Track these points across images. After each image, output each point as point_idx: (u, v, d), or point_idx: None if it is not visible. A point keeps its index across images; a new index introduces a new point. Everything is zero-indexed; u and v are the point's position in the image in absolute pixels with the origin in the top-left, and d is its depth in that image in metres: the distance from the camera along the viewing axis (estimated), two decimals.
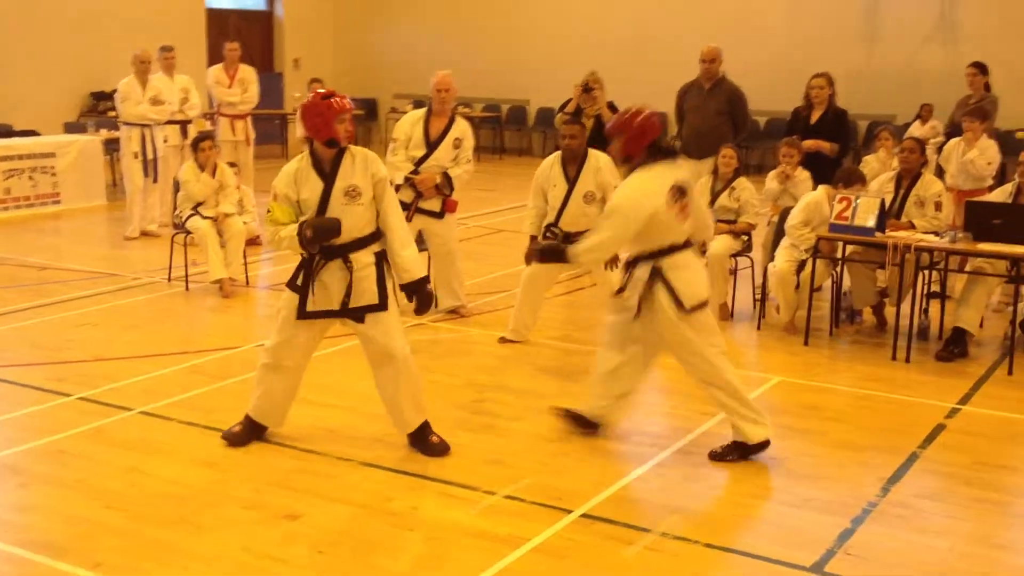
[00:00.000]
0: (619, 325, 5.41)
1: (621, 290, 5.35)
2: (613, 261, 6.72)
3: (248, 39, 18.66)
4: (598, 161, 7.20)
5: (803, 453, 5.48)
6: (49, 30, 15.30)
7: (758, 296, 7.98)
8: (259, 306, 8.61)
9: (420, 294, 5.29)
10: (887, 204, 7.32)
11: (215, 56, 15.04)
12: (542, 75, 18.19)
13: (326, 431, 5.61)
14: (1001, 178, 10.34)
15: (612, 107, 8.75)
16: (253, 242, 9.42)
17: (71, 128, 14.44)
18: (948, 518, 4.74)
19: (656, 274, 5.17)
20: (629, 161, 5.24)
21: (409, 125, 7.81)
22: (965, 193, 8.58)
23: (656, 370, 7.05)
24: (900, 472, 5.20)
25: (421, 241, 7.92)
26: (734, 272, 8.08)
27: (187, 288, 8.78)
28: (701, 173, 8.17)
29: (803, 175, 8.29)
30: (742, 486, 5.05)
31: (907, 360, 7.02)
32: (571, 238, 6.56)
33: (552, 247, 5.91)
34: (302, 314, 5.22)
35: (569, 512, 4.67)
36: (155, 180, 11.30)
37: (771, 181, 8.41)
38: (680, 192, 5.15)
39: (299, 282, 5.23)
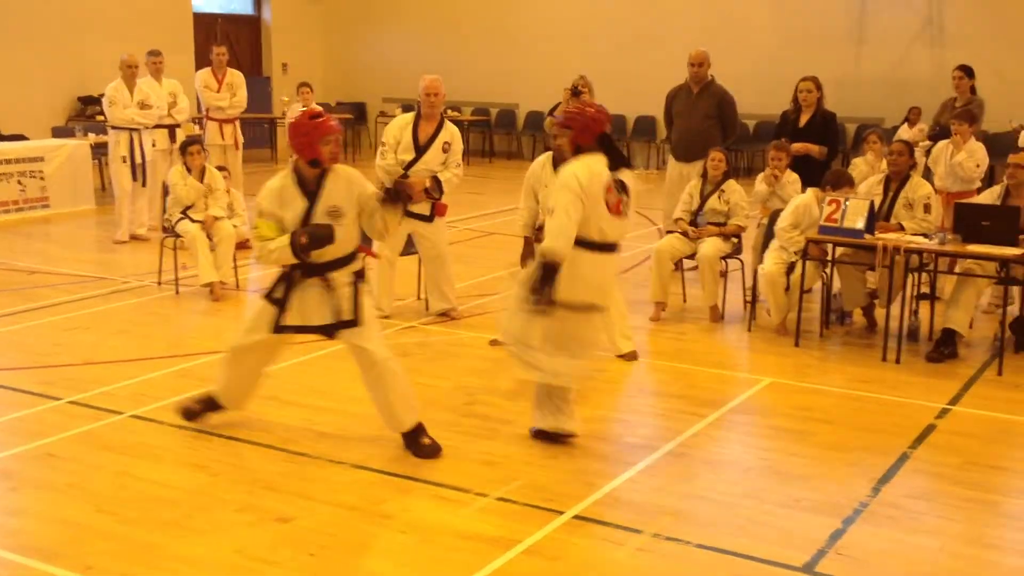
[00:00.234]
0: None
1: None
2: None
3: (236, 43, 18.70)
4: None
5: (794, 454, 5.49)
6: (36, 35, 15.25)
7: (748, 298, 8.00)
8: (249, 309, 8.57)
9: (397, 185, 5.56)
10: (876, 206, 7.35)
11: (203, 60, 15.03)
12: (531, 79, 18.22)
13: (317, 433, 5.60)
14: (989, 180, 10.41)
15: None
16: (243, 245, 9.39)
17: (59, 132, 14.38)
18: (939, 518, 4.76)
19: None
20: (579, 153, 5.26)
21: (398, 129, 7.80)
22: (954, 195, 8.62)
23: (648, 373, 7.05)
24: (891, 472, 5.21)
25: (411, 244, 7.93)
26: (724, 274, 8.09)
27: (177, 292, 8.76)
28: (691, 177, 8.13)
29: (792, 178, 8.33)
30: (733, 487, 5.05)
31: (897, 361, 7.04)
32: None
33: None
34: (277, 328, 5.33)
35: (561, 514, 4.67)
36: (144, 184, 11.27)
37: (760, 184, 8.44)
38: (621, 186, 5.20)
39: (277, 295, 5.30)
